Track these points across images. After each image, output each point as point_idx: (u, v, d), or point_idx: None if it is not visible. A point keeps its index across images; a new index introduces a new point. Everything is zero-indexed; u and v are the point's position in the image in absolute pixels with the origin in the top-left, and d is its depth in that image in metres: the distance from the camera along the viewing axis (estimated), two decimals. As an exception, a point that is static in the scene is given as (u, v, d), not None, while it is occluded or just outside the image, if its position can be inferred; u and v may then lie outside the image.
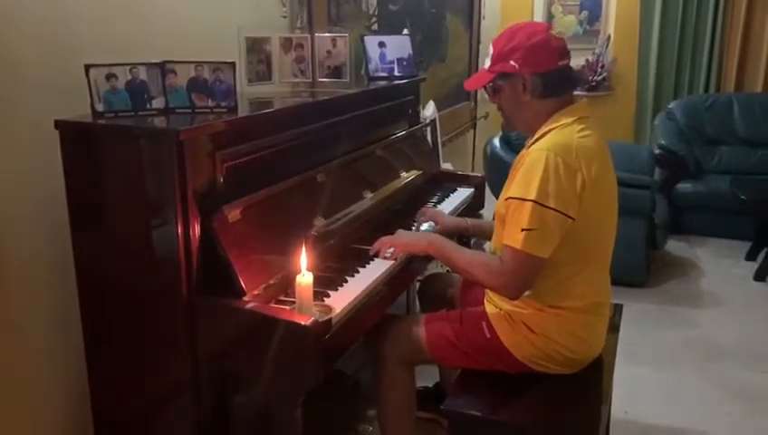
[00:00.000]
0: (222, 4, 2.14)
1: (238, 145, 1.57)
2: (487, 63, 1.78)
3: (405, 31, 3.18)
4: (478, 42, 5.08)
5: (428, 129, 3.28)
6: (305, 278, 1.44)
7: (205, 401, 1.52)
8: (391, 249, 1.86)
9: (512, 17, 5.82)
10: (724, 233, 4.48)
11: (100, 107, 1.51)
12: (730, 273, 3.96)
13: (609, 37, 5.71)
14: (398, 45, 2.63)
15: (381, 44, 2.57)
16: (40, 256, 1.60)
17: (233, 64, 1.62)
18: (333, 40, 2.13)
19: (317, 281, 1.67)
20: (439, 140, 3.46)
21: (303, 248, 1.48)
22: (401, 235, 1.91)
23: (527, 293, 1.72)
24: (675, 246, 4.32)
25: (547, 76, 1.71)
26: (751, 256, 4.12)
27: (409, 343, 1.86)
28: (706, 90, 5.32)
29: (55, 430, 1.72)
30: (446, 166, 4.00)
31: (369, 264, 1.82)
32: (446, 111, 4.29)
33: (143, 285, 1.49)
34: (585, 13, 5.80)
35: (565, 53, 1.73)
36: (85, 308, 1.58)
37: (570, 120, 1.70)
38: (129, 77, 1.54)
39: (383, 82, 2.51)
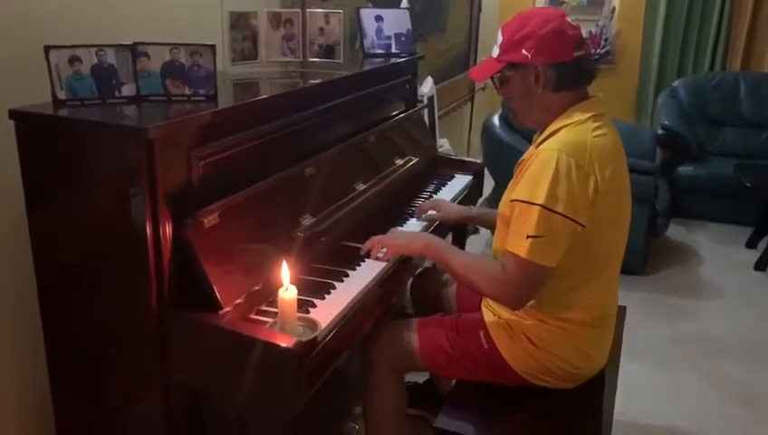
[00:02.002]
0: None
1: (217, 139, 1.41)
2: (496, 52, 1.62)
3: (404, 3, 2.99)
4: (479, 9, 4.88)
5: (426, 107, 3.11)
6: (288, 293, 1.31)
7: (177, 422, 1.39)
8: (384, 250, 1.72)
9: (514, -16, 5.60)
10: (725, 217, 4.36)
11: (61, 94, 1.35)
12: (730, 261, 3.86)
13: (613, 9, 5.50)
14: (397, 20, 2.45)
15: (378, 18, 2.40)
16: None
17: (212, 47, 1.45)
18: (326, 16, 1.95)
19: (302, 287, 1.53)
20: (437, 117, 3.29)
21: (285, 261, 1.34)
22: (395, 234, 1.77)
23: (530, 302, 1.60)
24: (674, 230, 4.21)
25: (561, 67, 1.55)
26: (752, 244, 4.02)
27: (401, 350, 1.74)
28: (712, 68, 5.16)
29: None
30: (443, 141, 3.85)
31: (359, 266, 1.69)
32: (445, 83, 4.11)
33: (109, 298, 1.35)
34: (590, -18, 5.58)
35: (581, 43, 1.57)
36: (47, 319, 1.44)
37: (584, 116, 1.55)
38: (96, 61, 1.37)
39: (379, 60, 2.35)
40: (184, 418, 1.43)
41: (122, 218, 1.27)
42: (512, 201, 1.54)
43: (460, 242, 2.59)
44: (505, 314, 1.67)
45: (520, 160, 1.61)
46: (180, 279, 1.33)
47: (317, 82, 1.84)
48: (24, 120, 1.29)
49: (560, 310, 1.61)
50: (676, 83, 4.86)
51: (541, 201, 1.45)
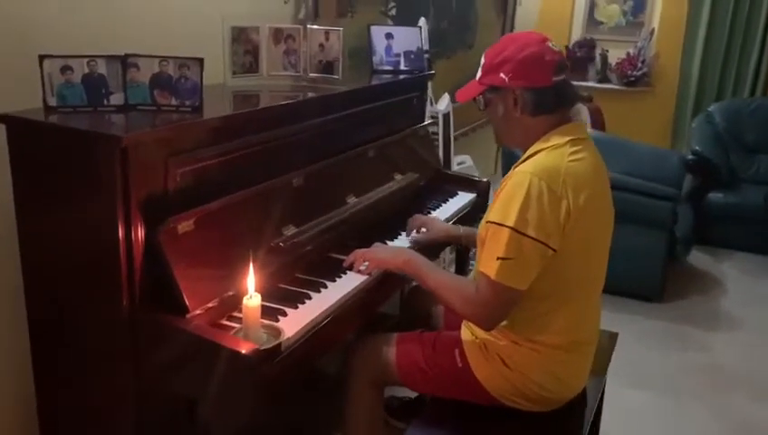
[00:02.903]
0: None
1: (197, 149, 1.47)
2: (478, 74, 1.65)
3: (422, 20, 3.03)
4: (512, 29, 4.88)
5: (440, 124, 3.14)
6: (252, 301, 1.35)
7: (148, 418, 1.44)
8: (366, 263, 1.75)
9: (552, 4, 5.59)
10: (754, 247, 4.23)
11: (52, 101, 1.43)
12: (754, 293, 3.74)
13: (652, 31, 5.44)
14: (407, 37, 2.49)
15: (389, 36, 2.44)
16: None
17: (200, 61, 1.51)
18: (326, 33, 2.01)
19: (279, 296, 1.59)
20: (452, 134, 3.31)
21: (251, 267, 1.38)
22: (378, 248, 1.80)
23: (503, 323, 1.61)
24: (699, 258, 4.10)
25: (539, 93, 1.56)
26: (780, 276, 3.90)
27: (378, 364, 1.76)
28: (753, 93, 5.03)
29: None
30: (464, 158, 3.87)
31: (339, 278, 1.72)
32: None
33: (86, 295, 1.42)
34: (630, 3, 5.51)
35: (561, 68, 1.58)
36: (32, 315, 1.52)
37: (562, 140, 1.56)
38: (87, 70, 1.45)
39: (387, 76, 2.39)
40: (155, 416, 1.48)
41: (98, 221, 1.34)
42: (486, 222, 1.55)
43: (462, 260, 2.61)
44: (482, 333, 1.67)
45: (500, 183, 1.62)
46: (153, 282, 1.39)
47: (306, 97, 1.88)
48: (13, 124, 1.37)
49: (533, 332, 1.61)
50: (712, 108, 4.75)
51: (511, 223, 1.46)
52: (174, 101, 1.52)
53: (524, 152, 1.62)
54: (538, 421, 1.68)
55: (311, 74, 2.03)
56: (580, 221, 1.51)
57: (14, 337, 1.61)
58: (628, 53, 5.49)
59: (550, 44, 1.58)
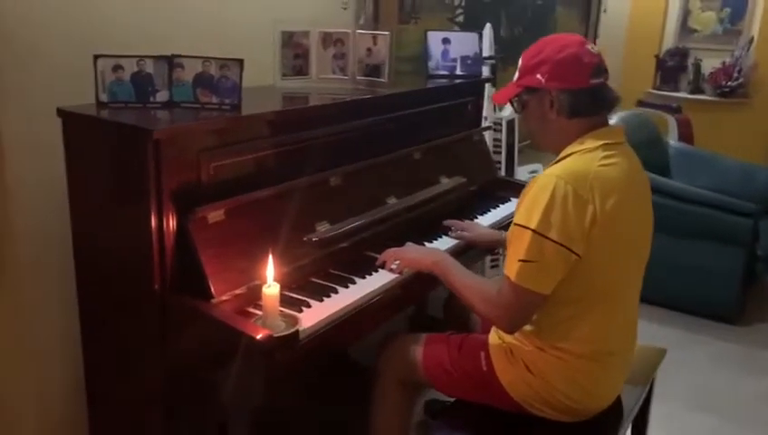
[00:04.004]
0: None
1: (233, 144, 1.55)
2: (516, 76, 1.64)
3: (487, 27, 3.02)
4: (595, 37, 4.76)
5: (503, 130, 3.12)
6: (271, 289, 1.41)
7: (176, 402, 1.53)
8: (397, 262, 1.78)
9: (642, 11, 5.39)
10: None
11: (103, 97, 1.55)
12: None
13: (751, 39, 5.12)
14: (465, 43, 2.49)
15: (445, 41, 2.46)
16: (47, 238, 1.71)
17: (240, 62, 1.60)
18: (374, 38, 2.05)
19: (308, 287, 1.64)
20: (516, 141, 3.27)
21: (270, 257, 1.44)
22: (409, 248, 1.82)
23: (528, 328, 1.59)
24: (788, 280, 3.83)
25: (576, 94, 1.54)
26: None
27: (405, 362, 1.78)
28: None
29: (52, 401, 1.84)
30: (536, 166, 3.81)
31: (370, 275, 1.75)
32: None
33: (124, 278, 1.53)
34: (727, 10, 5.22)
35: (600, 71, 1.55)
36: (81, 294, 1.65)
37: (595, 144, 1.53)
38: (136, 69, 1.56)
39: (442, 81, 2.41)
40: (182, 399, 1.56)
41: (136, 210, 1.44)
42: (512, 225, 1.54)
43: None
44: (509, 338, 1.65)
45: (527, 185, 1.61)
46: (183, 269, 1.48)
47: (342, 100, 1.93)
48: (67, 119, 1.51)
49: (557, 339, 1.57)
50: (812, 121, 4.44)
51: (533, 226, 1.45)
52: (214, 100, 1.61)
53: (558, 155, 1.59)
54: (565, 432, 1.64)
55: (358, 77, 2.08)
56: (608, 227, 1.47)
57: (68, 325, 1.74)
58: (723, 63, 5.21)
59: (589, 47, 1.56)
